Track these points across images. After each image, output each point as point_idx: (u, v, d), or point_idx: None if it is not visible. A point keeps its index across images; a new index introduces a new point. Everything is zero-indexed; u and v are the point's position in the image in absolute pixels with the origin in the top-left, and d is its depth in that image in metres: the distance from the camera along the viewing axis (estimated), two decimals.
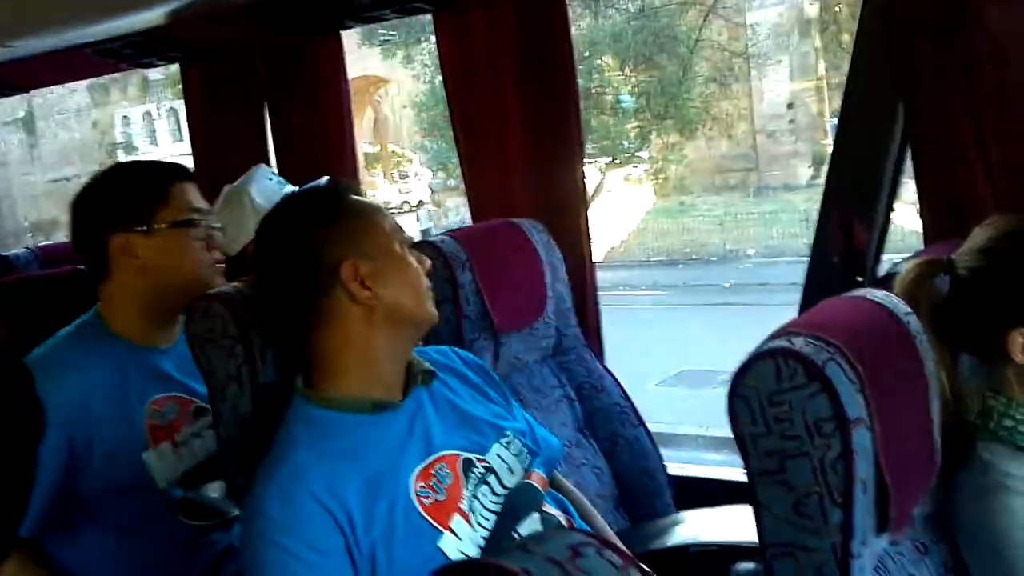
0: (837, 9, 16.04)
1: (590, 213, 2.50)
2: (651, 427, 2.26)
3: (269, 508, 1.28)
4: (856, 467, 1.15)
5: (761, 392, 1.17)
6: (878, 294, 1.38)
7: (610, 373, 2.30)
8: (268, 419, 1.46)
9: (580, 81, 2.43)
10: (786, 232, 14.63)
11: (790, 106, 17.00)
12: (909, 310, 1.36)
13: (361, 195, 1.50)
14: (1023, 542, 1.30)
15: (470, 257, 2.04)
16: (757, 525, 1.21)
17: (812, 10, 16.66)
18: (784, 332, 1.22)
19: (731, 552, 1.79)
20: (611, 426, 2.23)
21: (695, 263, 16.10)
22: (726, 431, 1.20)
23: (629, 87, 15.90)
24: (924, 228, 1.82)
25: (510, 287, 2.11)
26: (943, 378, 1.41)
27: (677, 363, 10.45)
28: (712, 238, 16.52)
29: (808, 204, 13.89)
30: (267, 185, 2.39)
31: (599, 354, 2.46)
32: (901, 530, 1.27)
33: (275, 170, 2.81)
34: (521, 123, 2.46)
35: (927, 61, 1.79)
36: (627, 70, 15.78)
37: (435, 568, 0.75)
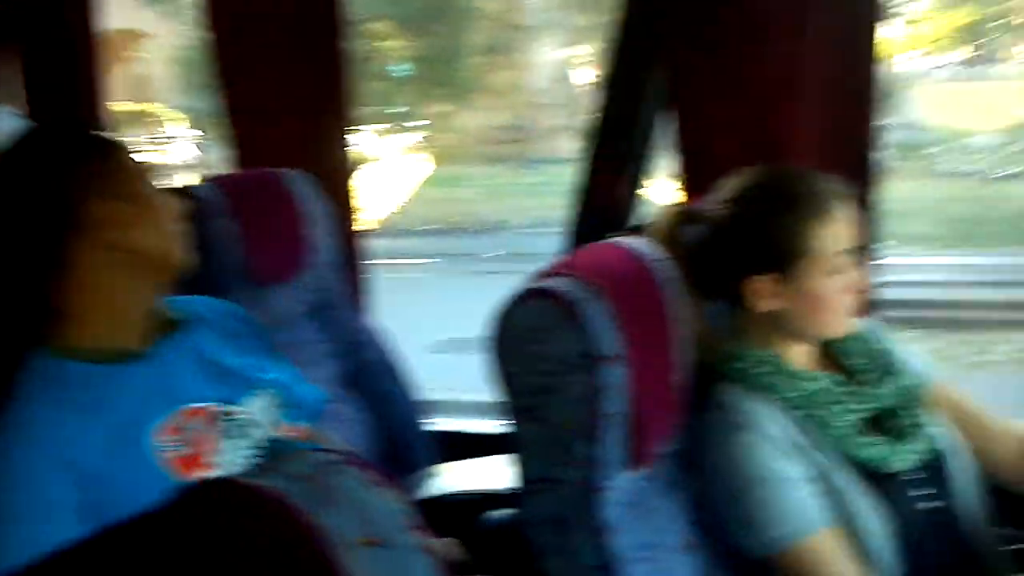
0: None
1: (360, 176, 2.46)
2: (428, 394, 2.26)
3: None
4: (608, 402, 1.18)
5: (521, 330, 1.18)
6: (633, 241, 1.43)
7: (375, 331, 2.27)
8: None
9: (354, 45, 2.37)
10: (554, 204, 15.08)
11: (560, 80, 17.47)
12: (662, 256, 1.42)
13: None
14: (756, 475, 1.40)
15: (229, 205, 1.95)
16: (516, 464, 1.23)
17: None
18: (543, 274, 1.24)
19: (485, 500, 1.83)
20: (375, 382, 2.21)
21: (467, 233, 16.31)
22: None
23: (405, 53, 15.81)
24: (682, 185, 1.91)
25: (271, 237, 2.03)
26: (690, 323, 1.48)
27: (448, 330, 10.59)
28: (484, 208, 16.77)
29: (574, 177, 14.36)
30: (10, 124, 2.18)
31: (365, 312, 2.42)
32: (650, 465, 1.33)
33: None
34: (288, 84, 2.38)
35: (685, 28, 1.87)
36: (404, 37, 15.68)
37: (177, 487, 0.71)
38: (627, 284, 1.30)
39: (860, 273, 1.49)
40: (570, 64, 17.48)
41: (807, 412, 1.45)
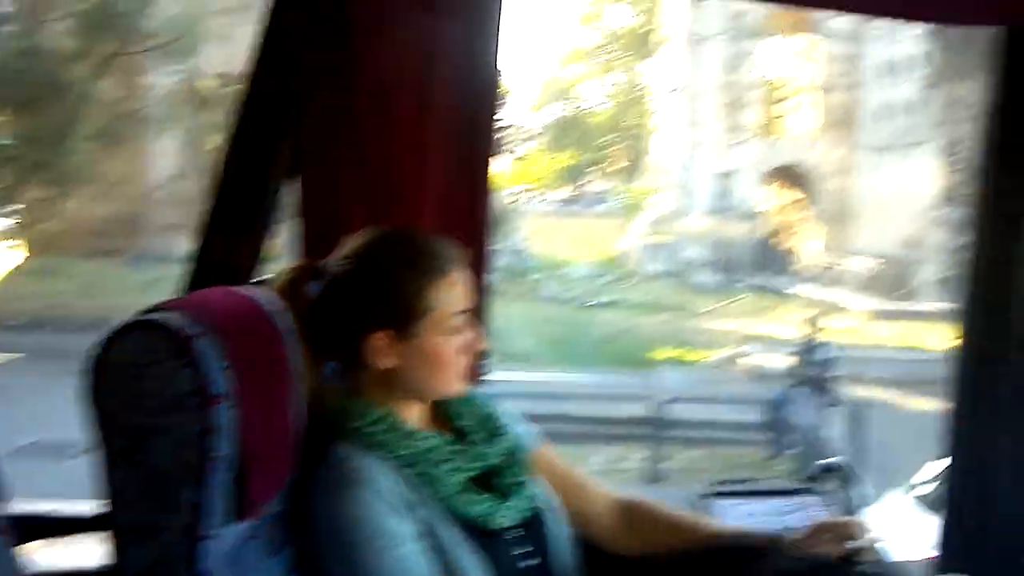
0: (232, 88, 16.39)
1: None
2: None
3: None
4: (216, 444, 1.11)
5: (123, 365, 1.08)
6: (250, 289, 1.38)
7: None
8: None
9: None
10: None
11: (176, 176, 16.89)
12: (280, 308, 1.38)
13: None
14: (366, 532, 1.37)
15: None
16: (111, 515, 1.10)
17: (206, 84, 16.87)
18: (152, 309, 1.15)
19: None
20: None
21: (61, 329, 14.99)
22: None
23: (5, 130, 14.49)
24: (305, 248, 1.88)
25: None
26: (307, 378, 1.45)
27: (31, 433, 9.62)
28: (83, 304, 15.55)
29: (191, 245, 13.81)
30: None
31: None
32: (258, 518, 1.25)
33: None
34: None
35: (314, 98, 1.88)
36: (5, 113, 14.41)
37: None
38: (240, 326, 1.24)
39: (475, 334, 1.54)
40: (189, 161, 16.99)
41: (418, 470, 1.46)
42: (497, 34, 1.81)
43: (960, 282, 1.32)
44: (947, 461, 1.39)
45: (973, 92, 23.50)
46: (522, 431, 1.67)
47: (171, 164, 16.90)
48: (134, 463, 1.08)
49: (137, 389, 1.07)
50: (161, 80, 16.76)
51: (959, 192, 23.43)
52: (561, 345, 18.54)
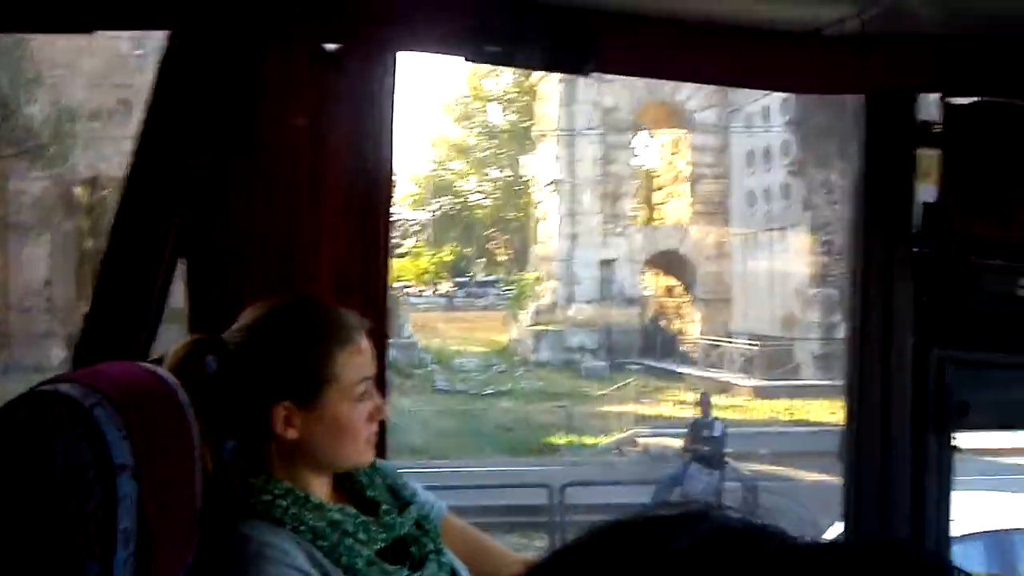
0: (105, 193, 16.07)
1: None
2: None
3: None
4: (119, 516, 1.06)
5: (19, 436, 1.03)
6: (148, 365, 1.34)
7: None
8: None
9: None
10: None
11: (48, 283, 16.29)
12: (177, 383, 1.34)
13: None
14: None
15: None
16: None
17: (77, 190, 16.47)
18: (48, 381, 1.11)
19: None
20: None
21: None
22: None
23: None
24: (197, 322, 1.83)
25: None
26: (206, 455, 1.40)
27: None
28: None
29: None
30: None
31: None
32: None
33: None
34: None
35: (204, 170, 1.86)
36: None
37: None
38: (139, 396, 1.20)
39: (380, 402, 1.53)
40: (64, 265, 16.45)
41: (328, 543, 1.42)
42: (392, 111, 1.84)
43: (842, 357, 1.38)
44: (843, 527, 1.42)
45: (835, 177, 24.87)
46: (430, 500, 1.65)
47: (42, 271, 16.30)
48: (29, 537, 1.02)
49: (33, 460, 1.02)
50: (30, 186, 16.28)
51: (829, 272, 24.51)
52: (456, 436, 18.41)
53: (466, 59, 1.77)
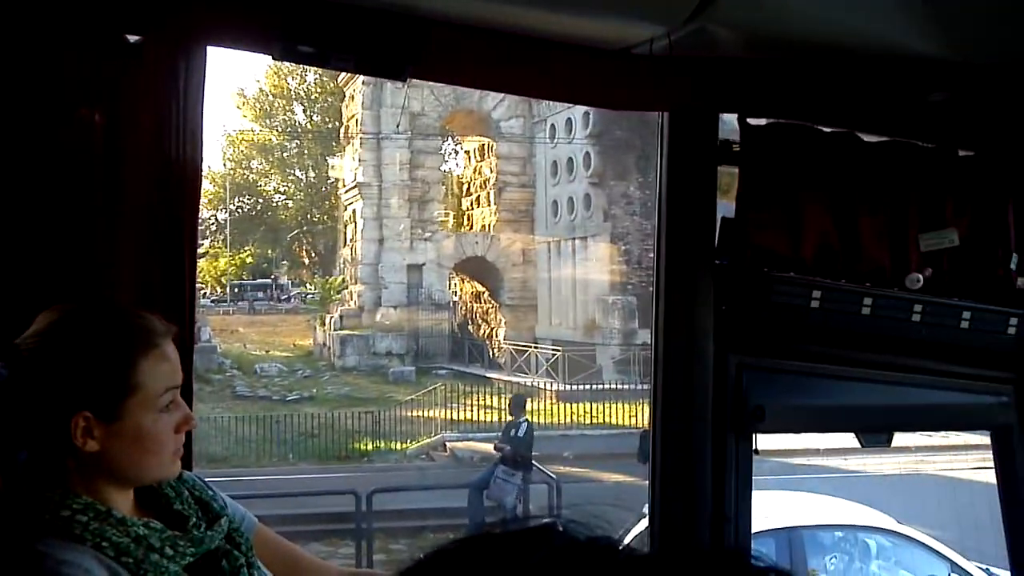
0: None
1: None
2: None
3: None
4: None
5: None
6: None
7: None
8: None
9: None
10: None
11: None
12: None
13: None
14: None
15: None
16: None
17: None
18: None
19: None
20: None
21: None
22: None
23: None
24: None
25: None
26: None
27: None
28: None
29: None
30: None
31: None
32: None
33: None
34: None
35: None
36: None
37: None
38: None
39: (186, 412, 1.46)
40: None
41: (133, 560, 1.35)
42: (201, 107, 1.77)
43: (641, 362, 1.44)
44: (648, 525, 1.48)
45: (634, 190, 25.88)
46: (240, 512, 1.60)
47: None
48: None
49: None
50: None
51: (628, 280, 25.47)
52: (259, 443, 17.89)
53: (275, 58, 1.73)
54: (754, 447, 1.40)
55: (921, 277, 1.45)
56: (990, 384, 1.55)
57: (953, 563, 7.40)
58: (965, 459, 13.58)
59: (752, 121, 1.50)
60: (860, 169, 1.48)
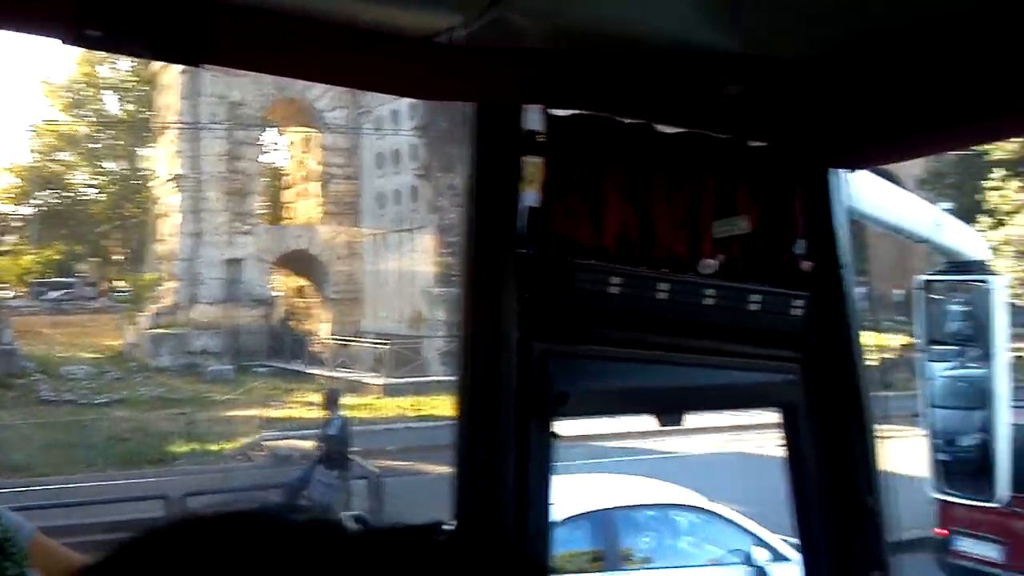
0: None
1: None
2: None
3: None
4: None
5: None
6: None
7: None
8: None
9: None
10: None
11: None
12: None
13: None
14: None
15: None
16: None
17: None
18: None
19: None
20: None
21: None
22: None
23: None
24: None
25: None
26: None
27: None
28: None
29: None
30: None
31: None
32: None
33: None
34: None
35: None
36: None
37: None
38: None
39: None
40: None
41: None
42: None
43: (455, 354, 1.44)
44: (454, 514, 1.48)
45: (460, 182, 25.88)
46: (15, 522, 1.51)
47: None
48: None
49: None
50: None
51: (454, 272, 25.59)
52: (64, 449, 16.93)
53: (65, 42, 1.62)
54: (554, 432, 1.42)
55: (714, 263, 1.51)
56: (779, 364, 1.63)
57: (756, 536, 7.82)
58: (771, 437, 14.36)
59: (556, 112, 1.52)
60: (657, 160, 1.52)
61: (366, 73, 1.42)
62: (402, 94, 1.50)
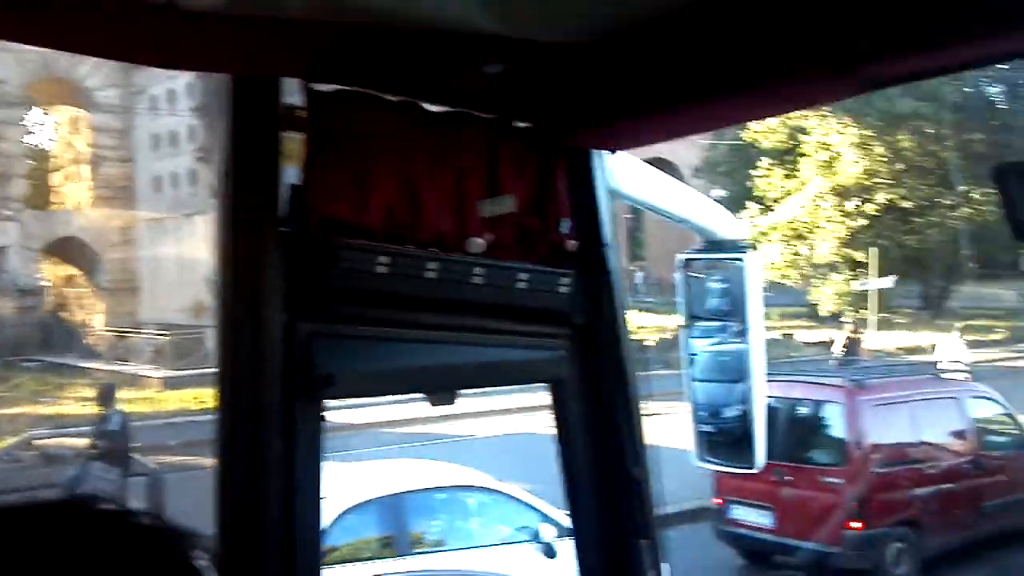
0: None
1: None
2: None
3: None
4: None
5: None
6: None
7: None
8: None
9: None
10: None
11: None
12: None
13: None
14: None
15: None
16: None
17: None
18: None
19: None
20: None
21: None
22: None
23: None
24: None
25: None
26: None
27: None
28: None
29: None
30: None
31: None
32: None
33: None
34: None
35: None
36: None
37: None
38: None
39: None
40: None
41: None
42: None
43: (216, 339, 1.37)
44: (217, 502, 1.41)
45: None
46: None
47: None
48: None
49: None
50: None
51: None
52: None
53: None
54: (323, 416, 1.38)
55: (482, 241, 1.51)
56: (547, 340, 1.66)
57: (543, 513, 8.04)
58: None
59: (319, 87, 1.48)
60: (423, 138, 1.51)
61: (111, 40, 1.32)
62: (150, 64, 1.41)
